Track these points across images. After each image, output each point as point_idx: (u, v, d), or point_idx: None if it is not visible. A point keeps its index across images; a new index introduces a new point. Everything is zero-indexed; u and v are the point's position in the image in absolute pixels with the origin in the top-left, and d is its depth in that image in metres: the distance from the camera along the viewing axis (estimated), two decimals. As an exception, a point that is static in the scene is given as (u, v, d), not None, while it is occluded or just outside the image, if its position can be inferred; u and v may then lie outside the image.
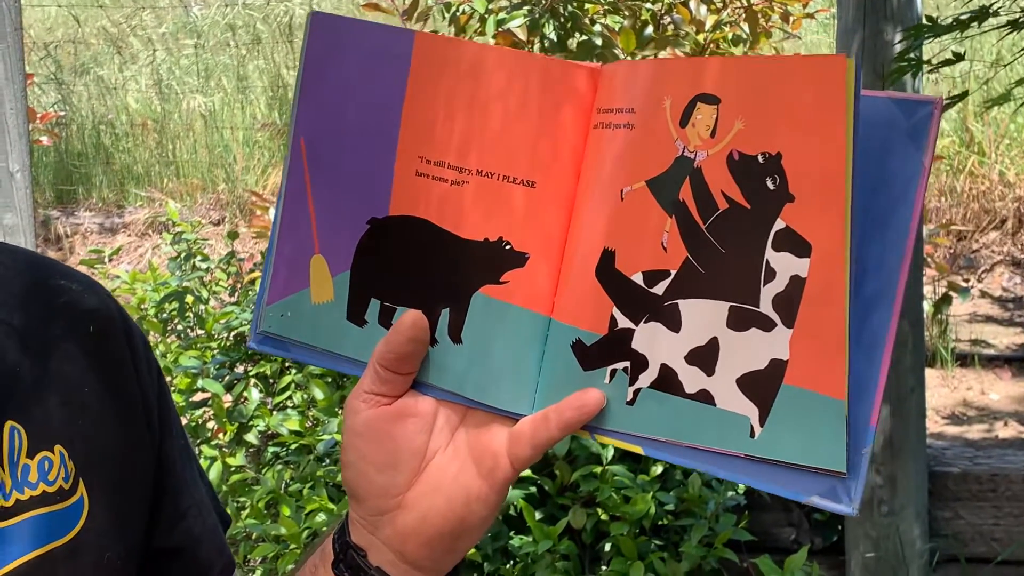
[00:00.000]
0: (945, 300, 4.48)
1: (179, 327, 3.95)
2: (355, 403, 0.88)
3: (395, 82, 0.88)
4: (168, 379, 3.42)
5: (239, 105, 8.16)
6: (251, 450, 3.47)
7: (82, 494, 0.93)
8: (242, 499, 3.23)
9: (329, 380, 3.28)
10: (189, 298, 3.89)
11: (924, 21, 2.27)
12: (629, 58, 3.55)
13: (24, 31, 4.37)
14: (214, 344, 3.71)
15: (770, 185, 0.74)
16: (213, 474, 3.22)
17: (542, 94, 0.84)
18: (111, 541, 0.94)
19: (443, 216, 0.87)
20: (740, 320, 0.76)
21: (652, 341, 0.79)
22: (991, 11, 2.13)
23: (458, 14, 3.72)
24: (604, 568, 3.07)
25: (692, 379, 0.78)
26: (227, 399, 3.47)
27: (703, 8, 3.70)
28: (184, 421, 3.23)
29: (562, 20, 3.65)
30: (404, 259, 0.88)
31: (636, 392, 0.80)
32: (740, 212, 0.76)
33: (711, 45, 3.81)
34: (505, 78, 0.85)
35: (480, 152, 0.85)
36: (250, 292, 3.87)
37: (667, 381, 0.79)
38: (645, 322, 0.80)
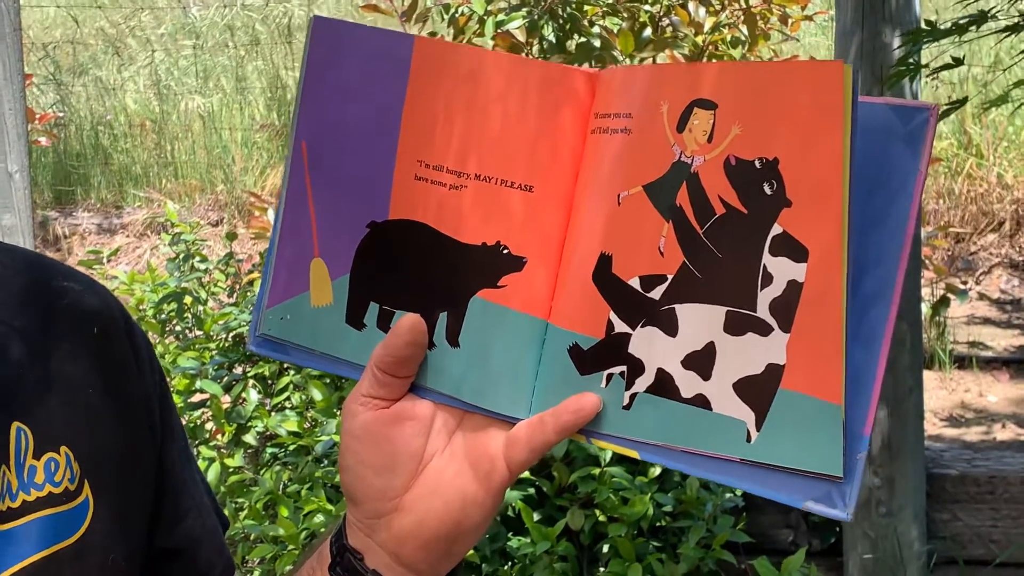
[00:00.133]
0: (943, 302, 4.49)
1: (177, 328, 3.95)
2: (353, 406, 0.88)
3: (395, 86, 0.88)
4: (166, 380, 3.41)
5: (238, 106, 8.16)
6: (249, 451, 3.47)
7: (87, 495, 0.93)
8: (240, 500, 3.24)
9: (327, 381, 3.28)
10: (187, 299, 3.89)
11: (923, 24, 2.28)
12: (628, 60, 3.55)
13: (23, 31, 4.37)
14: (212, 345, 3.71)
15: (767, 190, 0.74)
16: (211, 475, 3.22)
17: (540, 99, 0.85)
18: (115, 542, 0.95)
19: (442, 220, 0.87)
20: (737, 325, 0.76)
21: (649, 346, 0.79)
22: (989, 15, 2.13)
23: (457, 15, 3.72)
24: (602, 569, 3.07)
25: (688, 384, 0.78)
26: (225, 400, 3.47)
27: (701, 10, 3.71)
28: (182, 422, 3.23)
29: (561, 22, 3.65)
30: (403, 263, 0.89)
31: (632, 396, 0.80)
32: (737, 217, 0.76)
33: (709, 47, 3.82)
34: (504, 83, 0.85)
35: (479, 156, 0.86)
36: (248, 293, 3.87)
37: (663, 385, 0.79)
38: (642, 327, 0.80)
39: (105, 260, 4.19)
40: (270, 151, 7.70)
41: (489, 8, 3.66)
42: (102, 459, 0.96)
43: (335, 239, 0.91)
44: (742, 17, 3.81)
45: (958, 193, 6.23)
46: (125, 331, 1.03)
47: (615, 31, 3.62)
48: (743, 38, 3.84)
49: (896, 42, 3.21)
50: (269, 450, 3.41)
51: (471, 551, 2.65)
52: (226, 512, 3.13)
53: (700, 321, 0.77)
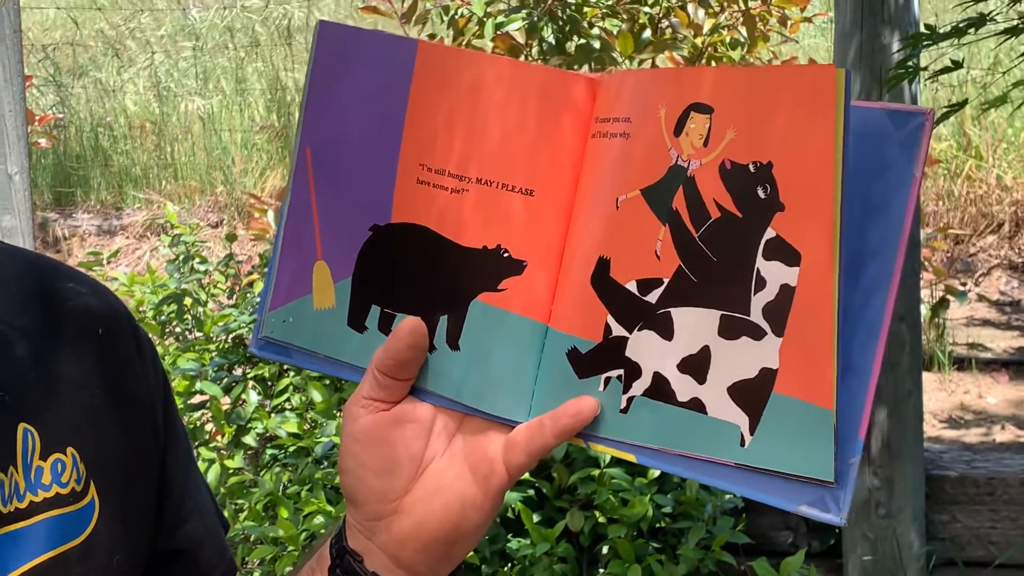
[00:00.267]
0: (942, 304, 4.50)
1: (177, 329, 3.95)
2: (354, 409, 0.88)
3: (398, 91, 0.89)
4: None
5: (237, 107, 8.17)
6: (249, 452, 3.47)
7: (93, 496, 0.94)
8: (240, 501, 3.24)
9: (327, 383, 3.28)
10: (187, 300, 3.89)
11: (922, 26, 2.28)
12: (627, 61, 3.55)
13: (23, 33, 4.38)
14: (212, 346, 3.71)
15: (761, 194, 0.75)
16: (211, 476, 3.23)
17: (542, 104, 0.85)
18: (120, 543, 0.95)
19: (443, 224, 0.88)
20: (731, 329, 0.76)
21: (645, 349, 0.80)
22: (988, 17, 2.13)
23: (456, 17, 3.72)
24: (602, 571, 3.07)
25: (684, 387, 0.78)
26: (225, 401, 3.47)
27: (701, 12, 3.71)
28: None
29: (560, 23, 3.66)
30: (404, 266, 0.89)
31: (629, 400, 0.81)
32: (732, 221, 0.76)
33: (709, 49, 3.82)
34: (506, 88, 0.86)
35: (480, 161, 0.86)
36: (248, 294, 3.88)
37: (660, 389, 0.79)
38: (639, 330, 0.80)
39: (105, 262, 4.19)
40: (270, 152, 7.70)
41: (489, 10, 3.66)
42: (107, 460, 0.96)
43: (338, 242, 0.91)
44: (741, 19, 3.82)
45: (957, 195, 6.24)
46: (131, 333, 1.03)
47: (615, 33, 3.63)
48: (742, 40, 3.84)
49: (895, 44, 3.22)
50: (269, 451, 3.41)
51: (471, 553, 2.65)
52: (226, 513, 3.13)
53: (695, 325, 0.78)
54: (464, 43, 3.69)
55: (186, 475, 1.07)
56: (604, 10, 3.72)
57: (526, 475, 3.00)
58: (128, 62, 9.19)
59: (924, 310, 4.28)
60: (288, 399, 3.48)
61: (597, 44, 3.61)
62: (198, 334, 3.83)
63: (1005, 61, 6.47)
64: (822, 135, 0.72)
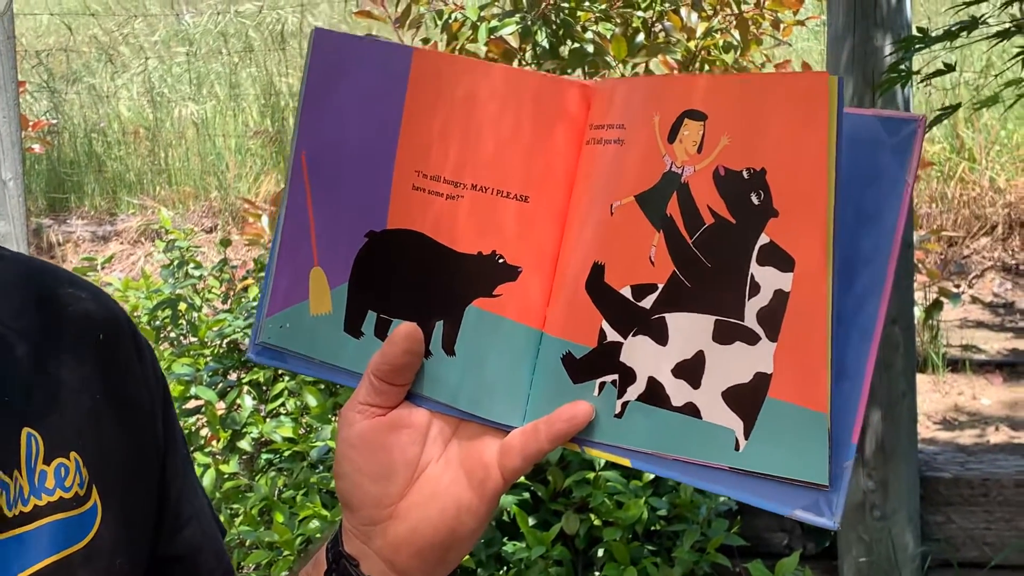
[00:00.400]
0: (936, 306, 4.50)
1: (172, 334, 3.95)
2: (350, 414, 0.89)
3: (394, 97, 0.89)
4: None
5: (231, 113, 8.16)
6: (244, 457, 3.47)
7: (95, 501, 0.94)
8: (235, 506, 3.23)
9: (322, 387, 3.28)
10: (182, 305, 3.89)
11: (914, 29, 2.29)
12: (621, 65, 3.56)
13: (16, 39, 4.38)
14: (207, 351, 3.71)
15: (755, 200, 0.75)
16: (207, 481, 3.22)
17: (537, 110, 0.86)
18: (122, 547, 0.96)
19: (438, 230, 0.88)
20: (725, 334, 0.77)
21: (640, 354, 0.80)
22: (980, 21, 2.14)
23: (450, 22, 3.73)
24: (597, 573, 3.07)
25: (679, 392, 0.79)
26: (220, 406, 3.47)
27: (694, 16, 3.72)
28: (177, 429, 3.22)
29: (554, 28, 3.66)
30: (400, 272, 0.90)
31: (624, 405, 0.81)
32: (726, 227, 0.76)
33: (702, 52, 3.82)
34: (501, 95, 0.86)
35: (475, 167, 0.87)
36: (243, 299, 3.87)
37: (654, 394, 0.79)
38: (633, 335, 0.80)
39: (99, 267, 4.19)
40: (264, 158, 7.70)
41: (482, 14, 3.67)
42: (109, 465, 0.97)
43: (334, 248, 0.92)
44: (734, 22, 3.82)
45: (951, 197, 6.25)
46: (130, 338, 1.04)
47: (608, 37, 3.63)
48: (735, 43, 3.84)
49: (888, 47, 3.23)
50: (264, 456, 3.41)
51: (466, 556, 2.65)
52: (221, 518, 3.13)
53: (690, 330, 0.78)
54: (458, 47, 3.70)
55: (184, 480, 1.07)
56: (597, 14, 3.72)
57: (521, 478, 3.00)
58: (122, 68, 9.19)
59: (918, 312, 4.29)
60: (283, 404, 3.48)
61: (591, 48, 3.61)
62: (193, 339, 3.83)
63: (997, 64, 6.48)
64: (815, 142, 0.73)
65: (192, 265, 4.00)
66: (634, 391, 0.80)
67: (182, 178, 7.70)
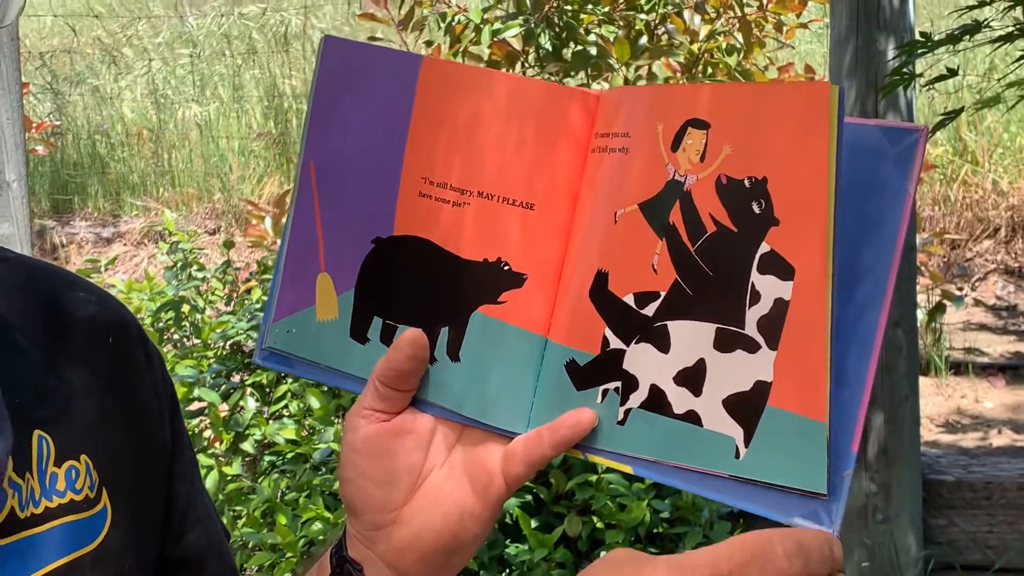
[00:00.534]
0: (939, 308, 4.50)
1: (175, 336, 3.95)
2: (355, 419, 0.89)
3: (402, 105, 0.90)
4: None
5: (235, 115, 8.17)
6: (247, 459, 3.47)
7: (105, 503, 0.95)
8: (238, 508, 3.24)
9: (325, 389, 3.29)
10: (185, 307, 3.89)
11: (917, 32, 2.29)
12: (624, 68, 3.56)
13: (20, 41, 4.38)
14: (210, 353, 3.71)
15: (756, 209, 0.75)
16: (209, 483, 3.23)
17: (543, 119, 0.86)
18: (131, 550, 0.96)
19: (444, 236, 0.89)
20: (726, 342, 0.77)
21: (642, 362, 0.80)
22: (984, 24, 2.14)
23: (453, 24, 3.73)
24: (599, 577, 3.07)
25: (680, 400, 0.79)
26: (223, 408, 3.47)
27: (697, 18, 3.72)
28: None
29: (557, 30, 3.67)
30: (406, 278, 0.90)
31: (627, 412, 0.81)
32: (727, 235, 0.77)
33: (705, 55, 3.83)
34: (507, 103, 0.87)
35: (481, 175, 0.87)
36: (246, 301, 3.88)
37: (656, 401, 0.80)
38: (636, 343, 0.81)
39: (102, 269, 4.19)
40: (267, 159, 7.71)
41: (485, 17, 3.67)
42: (118, 468, 0.97)
43: (341, 254, 0.92)
44: (737, 25, 3.83)
45: (954, 199, 6.25)
46: (139, 342, 1.05)
47: (611, 39, 3.64)
48: (738, 46, 3.85)
49: (891, 50, 3.23)
50: (267, 458, 3.42)
51: (469, 559, 2.65)
52: (224, 520, 3.14)
53: (691, 338, 0.78)
54: (461, 50, 3.70)
55: (191, 484, 1.08)
56: (601, 17, 3.73)
57: (524, 481, 3.00)
58: (125, 69, 9.20)
59: (921, 315, 4.29)
60: (286, 406, 3.48)
61: (594, 51, 3.62)
62: (196, 341, 3.83)
63: (1000, 67, 6.48)
64: (816, 151, 0.73)
65: (195, 267, 4.01)
66: (636, 398, 0.81)
67: (185, 180, 7.71)
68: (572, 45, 3.68)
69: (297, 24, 9.05)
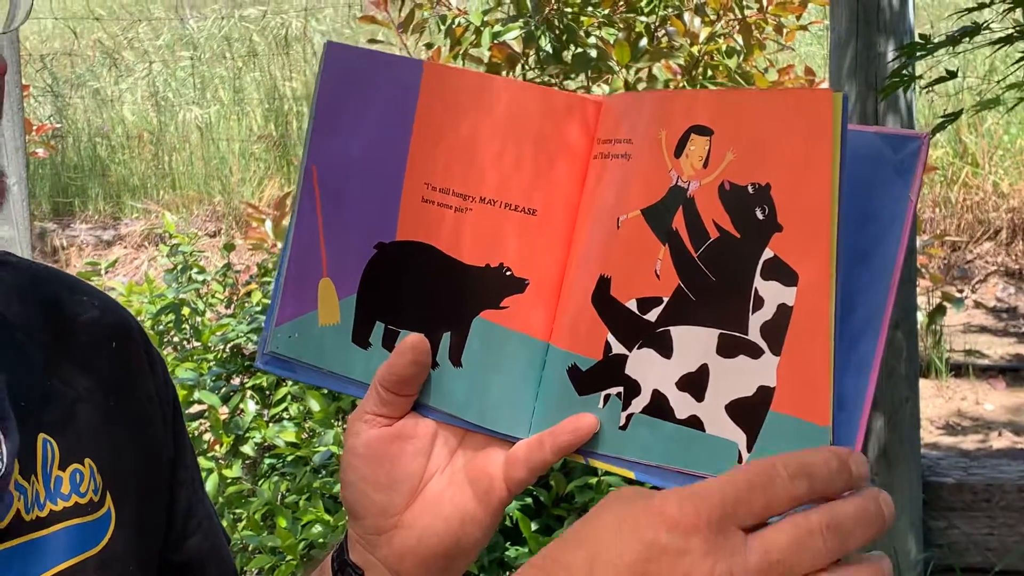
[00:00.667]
0: (939, 310, 4.51)
1: (175, 339, 3.95)
2: (356, 424, 0.90)
3: (404, 110, 0.90)
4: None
5: (235, 117, 8.17)
6: (247, 462, 3.48)
7: (109, 507, 0.95)
8: (238, 511, 3.24)
9: (325, 392, 3.29)
10: (185, 310, 3.89)
11: (917, 34, 2.29)
12: (624, 70, 3.56)
13: (20, 43, 4.39)
14: (210, 356, 3.72)
15: (759, 215, 0.75)
16: (210, 486, 3.23)
17: (546, 125, 0.86)
18: (134, 553, 0.97)
19: (447, 242, 0.89)
20: (729, 347, 0.77)
21: (645, 367, 0.80)
22: (983, 26, 2.14)
23: (454, 27, 3.73)
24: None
25: (683, 405, 0.79)
26: (223, 411, 3.47)
27: (697, 20, 3.72)
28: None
29: (557, 32, 3.67)
30: (408, 283, 0.90)
31: (629, 417, 0.81)
32: (730, 241, 0.77)
33: (705, 57, 3.83)
34: (510, 108, 0.87)
35: (483, 180, 0.87)
36: (246, 304, 3.88)
37: (659, 406, 0.80)
38: (638, 348, 0.81)
39: (103, 272, 4.19)
40: (267, 162, 7.71)
41: (486, 19, 3.67)
42: (122, 472, 0.98)
43: (343, 259, 0.92)
44: (737, 27, 3.82)
45: (954, 202, 6.25)
46: (142, 347, 1.05)
47: (611, 42, 3.64)
48: (738, 48, 3.85)
49: (891, 52, 3.23)
50: (267, 461, 3.42)
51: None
52: (224, 523, 3.14)
53: (694, 343, 0.78)
54: (461, 52, 3.70)
55: (192, 489, 1.08)
56: (601, 19, 3.73)
57: (524, 484, 2.99)
58: (126, 72, 9.20)
59: (921, 317, 4.29)
60: (286, 408, 3.48)
61: (594, 53, 3.62)
62: (196, 344, 3.83)
63: (1001, 68, 6.49)
64: (819, 158, 0.73)
65: (195, 270, 4.01)
66: (639, 403, 0.81)
67: (186, 182, 7.72)
68: (572, 47, 3.68)
69: (298, 26, 9.05)
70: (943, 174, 6.34)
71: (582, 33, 3.68)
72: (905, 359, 3.39)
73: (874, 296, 0.77)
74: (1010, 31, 2.21)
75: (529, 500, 3.07)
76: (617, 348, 0.82)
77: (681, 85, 3.65)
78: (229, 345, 3.69)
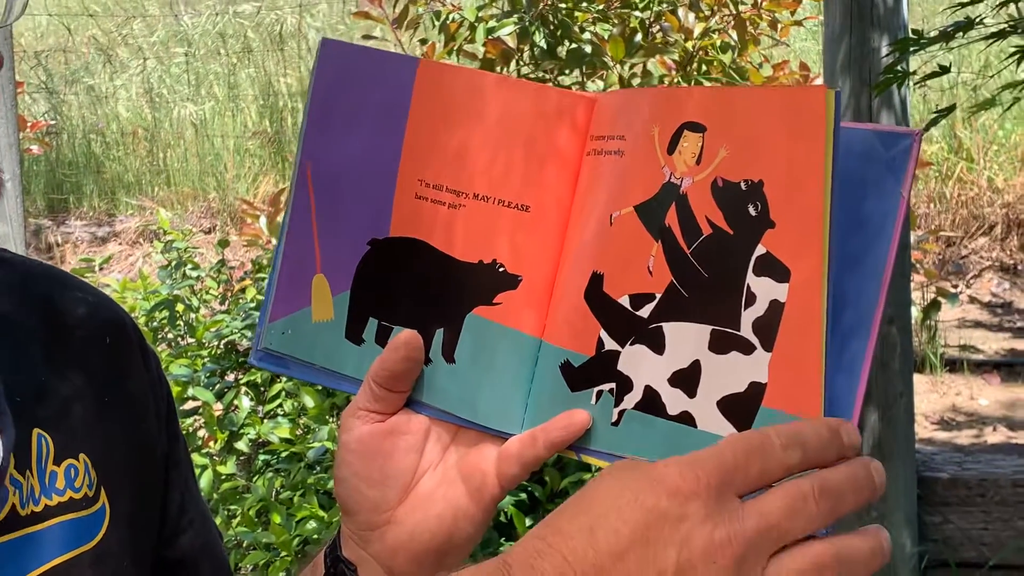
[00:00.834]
0: (934, 306, 4.51)
1: (169, 335, 3.95)
2: (350, 420, 0.90)
3: (399, 107, 0.90)
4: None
5: (230, 113, 8.16)
6: (242, 458, 3.48)
7: (104, 502, 0.96)
8: (233, 507, 3.24)
9: (319, 388, 3.28)
10: (179, 306, 3.89)
11: (910, 30, 2.29)
12: (618, 66, 3.56)
13: (14, 40, 4.38)
14: (204, 352, 3.71)
15: (752, 211, 0.75)
16: (204, 482, 3.23)
17: (539, 121, 0.87)
18: (128, 549, 0.97)
19: (440, 238, 0.89)
20: (721, 343, 0.77)
21: (637, 363, 0.80)
22: (976, 21, 2.14)
23: (448, 22, 3.73)
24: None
25: (675, 401, 0.79)
26: (217, 407, 3.47)
27: (691, 16, 3.72)
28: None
29: (552, 28, 3.66)
30: (402, 279, 0.90)
31: (621, 413, 0.81)
32: (723, 237, 0.77)
33: (700, 53, 3.83)
34: (504, 105, 0.87)
35: (477, 176, 0.88)
36: (240, 300, 3.88)
37: (651, 403, 0.80)
38: (631, 344, 0.81)
39: (97, 268, 4.19)
40: (262, 158, 7.70)
41: (480, 15, 3.67)
42: (116, 468, 0.98)
43: (337, 256, 0.92)
44: (732, 22, 3.82)
45: (949, 197, 6.25)
46: (136, 344, 1.05)
47: (606, 37, 3.63)
48: (733, 43, 3.85)
49: (884, 48, 3.23)
50: (261, 457, 3.42)
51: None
52: (218, 520, 3.14)
53: (686, 339, 0.78)
54: (455, 48, 3.70)
55: (186, 486, 1.08)
56: (595, 15, 3.72)
57: (519, 480, 3.00)
58: (120, 68, 9.18)
59: (915, 312, 4.29)
60: (280, 405, 3.48)
61: (588, 49, 3.61)
62: (190, 340, 3.83)
63: (995, 63, 6.49)
64: (812, 154, 0.73)
65: (190, 266, 4.01)
66: (631, 399, 0.81)
67: (180, 179, 7.71)
68: (567, 43, 3.68)
69: (292, 23, 9.04)
70: (938, 169, 6.34)
71: (576, 29, 3.67)
72: (899, 354, 3.39)
73: (866, 293, 0.77)
74: (1003, 26, 2.21)
75: (523, 495, 3.07)
76: (610, 344, 0.82)
77: (676, 81, 3.65)
78: (223, 341, 3.69)
